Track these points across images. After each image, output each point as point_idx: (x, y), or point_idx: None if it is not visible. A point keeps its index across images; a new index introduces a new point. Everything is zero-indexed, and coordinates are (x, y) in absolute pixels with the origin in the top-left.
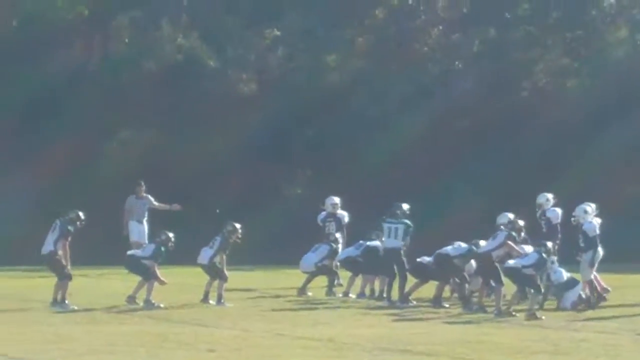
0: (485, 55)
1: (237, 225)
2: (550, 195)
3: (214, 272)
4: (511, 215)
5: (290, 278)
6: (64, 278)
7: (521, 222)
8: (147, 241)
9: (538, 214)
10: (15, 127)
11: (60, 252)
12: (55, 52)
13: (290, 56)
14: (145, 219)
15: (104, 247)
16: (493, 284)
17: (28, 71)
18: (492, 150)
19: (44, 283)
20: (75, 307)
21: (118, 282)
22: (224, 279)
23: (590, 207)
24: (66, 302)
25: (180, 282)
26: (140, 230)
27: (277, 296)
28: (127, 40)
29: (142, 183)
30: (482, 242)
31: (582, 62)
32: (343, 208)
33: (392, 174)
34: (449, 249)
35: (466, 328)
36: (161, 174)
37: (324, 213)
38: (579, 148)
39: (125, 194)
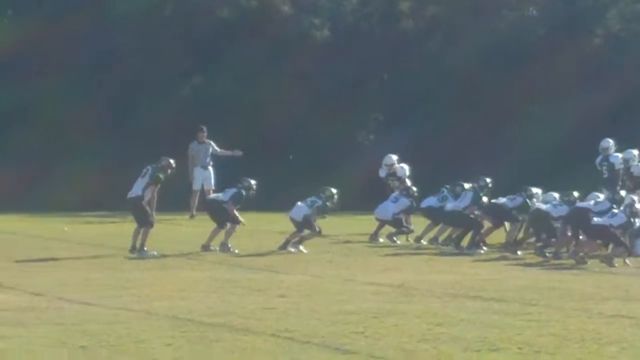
0: (559, 1)
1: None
2: (612, 141)
3: (307, 227)
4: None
5: (361, 224)
6: (146, 225)
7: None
8: (213, 186)
9: (599, 160)
10: (90, 71)
11: (146, 199)
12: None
13: (364, 2)
14: (210, 164)
15: (172, 193)
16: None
17: (98, 15)
18: (563, 97)
19: (115, 229)
20: (155, 253)
21: (187, 227)
22: (316, 231)
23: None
24: (145, 249)
25: (252, 228)
26: (205, 176)
27: (348, 242)
28: None
29: (204, 128)
30: (575, 193)
31: None
32: (413, 154)
33: (463, 118)
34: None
35: (537, 274)
36: (234, 120)
37: (384, 169)
38: None
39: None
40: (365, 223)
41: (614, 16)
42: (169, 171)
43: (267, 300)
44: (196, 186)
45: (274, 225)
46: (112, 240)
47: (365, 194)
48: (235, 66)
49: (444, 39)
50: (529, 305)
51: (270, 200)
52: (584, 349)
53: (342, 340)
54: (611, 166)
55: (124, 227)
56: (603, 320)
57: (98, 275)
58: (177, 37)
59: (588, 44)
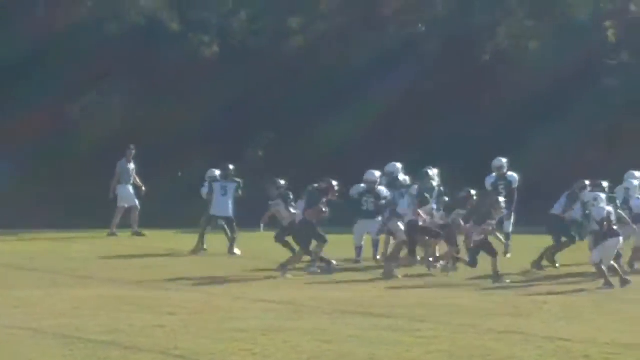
0: (449, 18)
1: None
2: (505, 160)
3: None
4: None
5: (263, 241)
6: (322, 241)
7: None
8: (137, 203)
9: (493, 180)
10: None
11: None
12: (19, 17)
13: (253, 19)
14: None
15: (73, 210)
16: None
17: None
18: (455, 113)
19: (5, 247)
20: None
21: (83, 245)
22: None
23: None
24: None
25: (147, 245)
26: (129, 193)
27: (241, 259)
28: (89, 3)
29: (132, 146)
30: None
31: (546, 24)
32: (303, 172)
33: (356, 137)
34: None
35: (428, 292)
36: (126, 138)
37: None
38: (541, 112)
39: (93, 158)
40: (266, 240)
41: (504, 32)
42: (333, 194)
43: (157, 317)
44: (122, 203)
45: (165, 243)
46: (2, 258)
47: (258, 210)
48: (124, 84)
49: (335, 55)
50: (418, 321)
51: (166, 217)
52: None
53: (231, 358)
54: (508, 184)
55: (14, 245)
56: (492, 337)
57: None
58: (68, 54)
59: (478, 60)
